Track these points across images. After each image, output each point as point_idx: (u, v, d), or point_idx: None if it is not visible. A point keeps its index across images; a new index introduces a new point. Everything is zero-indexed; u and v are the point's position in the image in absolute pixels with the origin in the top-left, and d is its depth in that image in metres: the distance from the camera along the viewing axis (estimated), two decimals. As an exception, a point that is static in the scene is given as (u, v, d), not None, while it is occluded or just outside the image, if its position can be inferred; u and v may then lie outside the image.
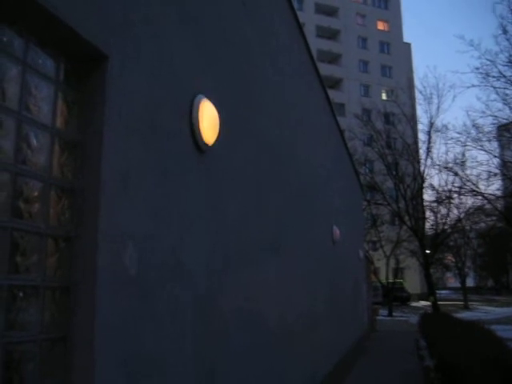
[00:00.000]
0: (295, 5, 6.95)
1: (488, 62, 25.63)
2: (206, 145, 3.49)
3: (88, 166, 2.41)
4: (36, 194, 2.21)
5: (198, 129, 3.38)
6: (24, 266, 2.13)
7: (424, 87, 54.58)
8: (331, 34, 66.04)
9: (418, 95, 38.45)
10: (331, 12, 66.26)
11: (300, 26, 7.16)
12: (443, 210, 33.26)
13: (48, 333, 2.21)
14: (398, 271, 39.53)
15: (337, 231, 9.83)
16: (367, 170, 36.35)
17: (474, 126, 29.10)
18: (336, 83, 63.53)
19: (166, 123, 3.04)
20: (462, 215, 32.60)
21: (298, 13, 6.93)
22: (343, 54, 65.63)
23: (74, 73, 2.45)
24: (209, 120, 3.48)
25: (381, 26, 69.24)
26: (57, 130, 2.33)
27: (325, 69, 49.34)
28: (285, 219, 5.97)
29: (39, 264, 2.19)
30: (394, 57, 67.58)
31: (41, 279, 2.19)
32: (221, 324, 3.75)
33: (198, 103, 3.42)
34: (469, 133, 33.42)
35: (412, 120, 35.07)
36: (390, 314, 33.13)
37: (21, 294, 2.11)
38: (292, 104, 6.82)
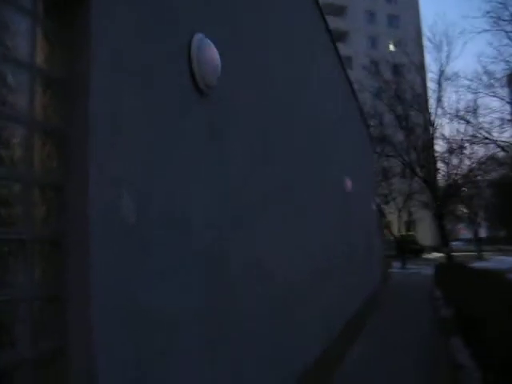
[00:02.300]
0: None
1: (499, 5, 24.90)
2: (207, 86, 3.24)
3: (74, 108, 2.18)
4: (17, 138, 1.99)
5: (198, 69, 3.13)
6: (8, 218, 1.93)
7: (433, 35, 53.28)
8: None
9: (426, 43, 37.64)
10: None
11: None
12: (455, 161, 32.88)
13: (39, 291, 2.03)
14: (410, 224, 39.39)
15: (349, 182, 9.61)
16: (377, 122, 35.87)
17: (485, 72, 28.53)
18: (342, 36, 62.29)
19: (162, 62, 2.79)
20: (473, 165, 32.19)
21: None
22: (348, 5, 64.14)
23: (55, 4, 2.20)
24: (209, 60, 3.22)
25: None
26: (37, 68, 2.10)
27: (330, 22, 48.19)
28: (294, 166, 5.74)
29: (25, 216, 1.99)
30: (401, 5, 65.99)
31: (28, 232, 1.99)
32: (230, 277, 3.57)
33: (197, 42, 3.15)
34: (480, 79, 32.71)
35: (421, 69, 34.37)
36: (403, 267, 33.16)
37: (6, 249, 1.92)
38: (300, 46, 6.50)
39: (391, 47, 59.10)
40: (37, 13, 2.13)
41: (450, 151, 32.34)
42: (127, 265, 2.31)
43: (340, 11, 63.88)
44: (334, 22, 57.37)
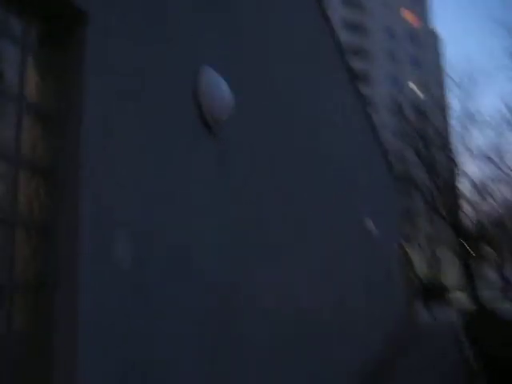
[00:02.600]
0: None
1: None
2: (215, 121, 3.10)
3: (65, 142, 2.04)
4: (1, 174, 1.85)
5: (206, 104, 3.00)
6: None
7: (456, 74, 53.25)
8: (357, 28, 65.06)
9: (449, 83, 37.62)
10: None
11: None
12: (480, 202, 32.34)
13: (23, 339, 1.86)
14: (434, 264, 38.65)
15: (369, 221, 9.38)
16: (399, 161, 35.59)
17: (508, 109, 28.24)
18: (364, 77, 62.53)
19: (165, 95, 2.66)
20: (502, 211, 31.61)
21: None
22: (371, 46, 64.63)
23: (47, 33, 2.09)
24: (217, 92, 3.09)
25: (408, 15, 68.01)
26: (27, 100, 1.97)
27: (352, 63, 48.55)
28: (310, 204, 5.56)
29: (7, 259, 1.84)
30: (424, 45, 66.30)
31: (9, 277, 1.83)
32: (238, 326, 3.36)
33: (204, 73, 3.04)
34: (504, 118, 32.43)
35: (444, 108, 34.27)
36: (428, 311, 32.34)
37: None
38: (315, 82, 6.39)
39: (414, 88, 59.17)
40: (28, 42, 2.02)
41: (476, 192, 31.90)
42: (122, 310, 2.14)
43: (363, 53, 64.32)
44: (356, 64, 57.92)
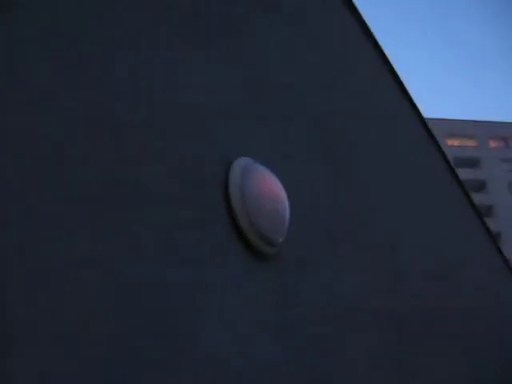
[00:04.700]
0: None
1: None
2: (269, 244, 1.87)
3: None
4: None
5: (242, 207, 1.81)
6: None
7: None
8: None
9: None
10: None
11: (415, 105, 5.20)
12: None
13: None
14: None
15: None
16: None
17: None
18: (488, 211, 58.40)
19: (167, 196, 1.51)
20: None
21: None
22: (495, 203, 61.52)
23: None
24: (262, 191, 1.90)
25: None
26: None
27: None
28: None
29: None
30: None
31: None
32: None
33: (241, 167, 1.88)
34: None
35: None
36: None
37: None
38: (419, 197, 4.68)
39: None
40: None
41: None
42: None
43: (489, 213, 60.78)
44: (476, 198, 54.43)
